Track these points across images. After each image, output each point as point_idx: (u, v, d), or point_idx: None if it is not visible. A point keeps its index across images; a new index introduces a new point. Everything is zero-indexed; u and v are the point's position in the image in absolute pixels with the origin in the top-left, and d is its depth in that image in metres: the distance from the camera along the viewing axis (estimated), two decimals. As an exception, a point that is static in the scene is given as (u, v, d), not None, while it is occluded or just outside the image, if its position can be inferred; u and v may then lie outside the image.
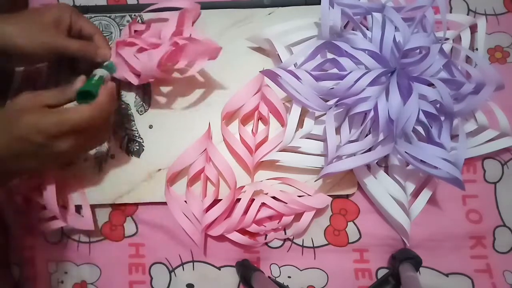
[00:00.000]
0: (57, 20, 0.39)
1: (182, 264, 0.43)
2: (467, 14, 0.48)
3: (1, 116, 0.34)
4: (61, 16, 0.39)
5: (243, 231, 0.41)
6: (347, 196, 0.43)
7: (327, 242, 0.43)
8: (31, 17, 0.38)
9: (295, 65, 0.42)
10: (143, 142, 0.44)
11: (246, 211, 0.41)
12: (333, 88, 0.39)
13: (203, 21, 0.47)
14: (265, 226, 0.42)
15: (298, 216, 0.42)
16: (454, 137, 0.41)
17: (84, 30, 0.40)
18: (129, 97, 0.46)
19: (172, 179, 0.43)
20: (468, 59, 0.45)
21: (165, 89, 0.46)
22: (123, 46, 0.42)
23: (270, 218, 0.42)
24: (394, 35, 0.39)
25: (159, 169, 0.43)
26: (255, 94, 0.43)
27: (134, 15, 0.47)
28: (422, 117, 0.38)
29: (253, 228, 0.41)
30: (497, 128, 0.42)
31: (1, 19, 0.37)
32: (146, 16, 0.47)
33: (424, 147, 0.38)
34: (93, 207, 0.43)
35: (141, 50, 0.42)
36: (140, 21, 0.47)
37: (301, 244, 0.43)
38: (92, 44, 0.41)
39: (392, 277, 0.40)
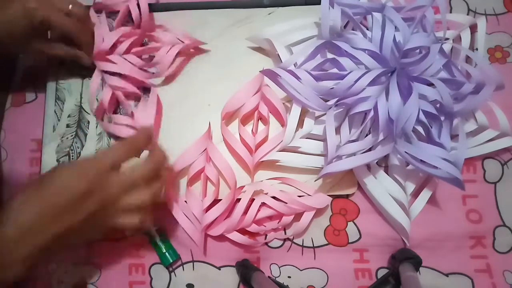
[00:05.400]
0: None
1: (182, 264, 0.43)
2: (467, 14, 0.48)
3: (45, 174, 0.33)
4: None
5: (243, 231, 0.41)
6: (347, 196, 0.43)
7: (327, 242, 0.43)
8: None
9: (295, 65, 0.42)
10: (143, 142, 0.44)
11: (246, 211, 0.41)
12: (333, 88, 0.39)
13: (203, 21, 0.47)
14: (265, 226, 0.42)
15: (298, 216, 0.42)
16: (454, 137, 0.41)
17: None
18: (129, 97, 0.46)
19: (172, 179, 0.43)
20: (468, 59, 0.45)
21: (165, 89, 0.46)
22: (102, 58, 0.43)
23: (270, 218, 0.42)
24: (394, 35, 0.39)
25: (159, 169, 0.43)
26: (255, 94, 0.43)
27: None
28: (422, 117, 0.38)
29: (253, 228, 0.41)
30: (497, 128, 0.42)
31: None
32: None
33: (424, 147, 0.38)
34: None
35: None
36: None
37: (301, 244, 0.43)
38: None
39: (392, 277, 0.40)
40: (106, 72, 0.43)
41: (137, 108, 0.43)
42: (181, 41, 0.45)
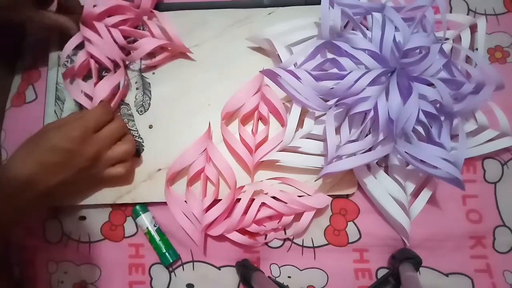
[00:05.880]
0: None
1: (182, 264, 0.43)
2: (467, 14, 0.48)
3: (33, 135, 0.37)
4: None
5: (243, 231, 0.41)
6: (347, 196, 0.43)
7: (327, 242, 0.43)
8: None
9: (295, 65, 0.42)
10: (143, 142, 0.44)
11: (246, 211, 0.41)
12: (333, 88, 0.39)
13: (203, 21, 0.47)
14: (265, 226, 0.42)
15: (298, 216, 0.42)
16: (454, 137, 0.41)
17: None
18: (129, 97, 0.46)
19: (172, 179, 0.43)
20: (468, 59, 0.45)
21: (165, 89, 0.46)
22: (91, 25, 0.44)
23: (270, 218, 0.42)
24: (394, 35, 0.39)
25: (159, 169, 0.43)
26: (255, 94, 0.43)
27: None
28: (422, 117, 0.38)
29: (253, 228, 0.41)
30: (497, 128, 0.42)
31: None
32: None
33: (424, 147, 0.38)
34: (93, 207, 0.43)
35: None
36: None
37: (301, 244, 0.43)
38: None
39: (392, 277, 0.40)
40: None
41: (101, 80, 0.44)
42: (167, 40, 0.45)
